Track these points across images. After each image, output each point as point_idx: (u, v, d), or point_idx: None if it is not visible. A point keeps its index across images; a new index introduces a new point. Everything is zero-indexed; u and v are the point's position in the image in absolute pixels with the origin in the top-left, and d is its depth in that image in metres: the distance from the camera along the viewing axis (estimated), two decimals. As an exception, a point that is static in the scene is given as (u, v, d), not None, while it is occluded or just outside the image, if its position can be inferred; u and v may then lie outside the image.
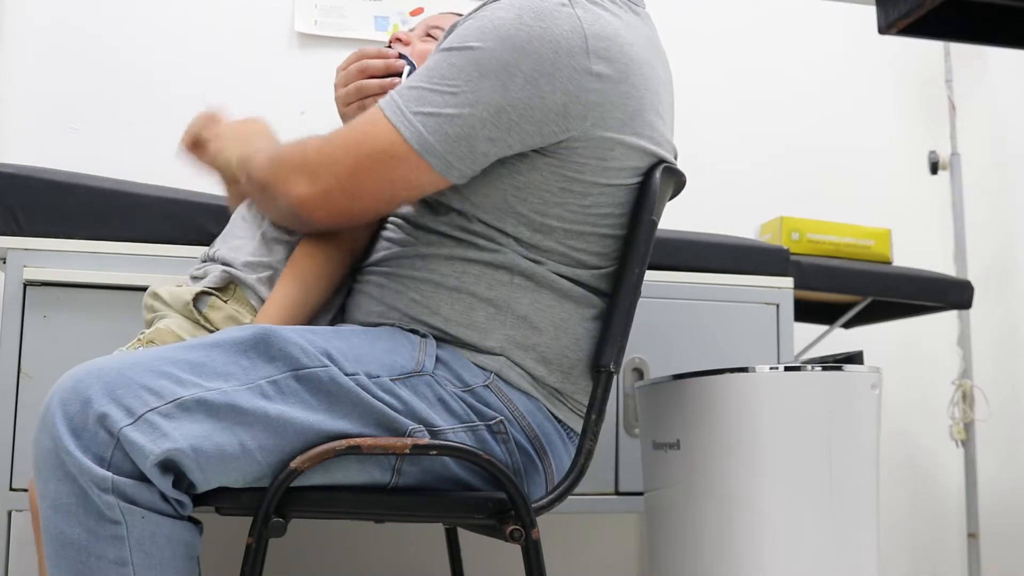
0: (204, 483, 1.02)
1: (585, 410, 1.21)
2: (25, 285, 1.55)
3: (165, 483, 0.98)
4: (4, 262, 1.59)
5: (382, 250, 1.25)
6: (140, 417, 0.98)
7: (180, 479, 1.01)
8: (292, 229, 1.27)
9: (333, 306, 1.29)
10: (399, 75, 1.33)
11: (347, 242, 1.25)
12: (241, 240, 1.29)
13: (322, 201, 1.15)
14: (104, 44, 2.23)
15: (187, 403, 1.00)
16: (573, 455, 1.21)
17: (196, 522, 1.05)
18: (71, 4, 2.23)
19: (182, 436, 0.99)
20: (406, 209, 1.24)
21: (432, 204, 1.21)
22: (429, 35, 1.38)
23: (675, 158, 1.29)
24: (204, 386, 1.02)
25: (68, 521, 0.96)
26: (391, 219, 1.27)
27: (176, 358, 1.04)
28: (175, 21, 2.29)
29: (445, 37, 1.17)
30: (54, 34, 2.21)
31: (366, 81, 1.33)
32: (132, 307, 1.58)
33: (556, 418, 1.21)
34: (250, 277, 1.24)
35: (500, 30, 1.10)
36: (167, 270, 1.57)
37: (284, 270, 1.23)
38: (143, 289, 1.54)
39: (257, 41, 2.34)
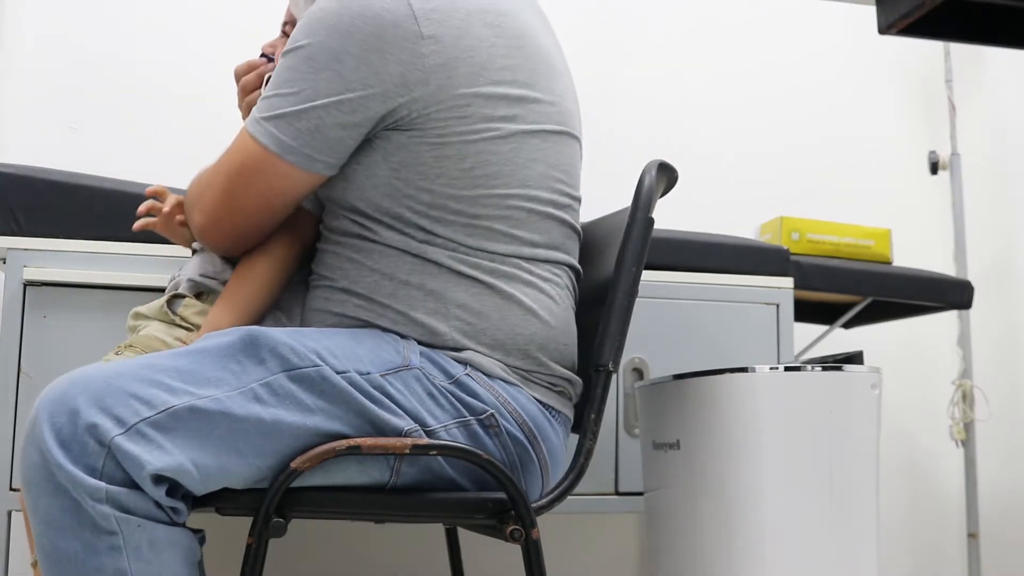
0: (203, 490, 1.02)
1: (561, 387, 1.21)
2: (25, 285, 1.55)
3: (159, 492, 0.97)
4: (4, 262, 1.59)
5: (318, 263, 1.24)
6: (132, 427, 0.97)
7: (175, 487, 1.00)
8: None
9: (296, 302, 1.30)
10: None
11: (294, 243, 1.27)
12: (202, 261, 1.31)
13: (213, 228, 1.20)
14: (104, 44, 2.23)
15: (180, 412, 0.99)
16: (561, 436, 1.21)
17: (196, 530, 1.04)
18: (71, 5, 2.23)
19: (179, 449, 0.98)
20: (326, 219, 1.24)
21: (340, 208, 1.21)
22: (284, 32, 1.44)
23: (576, 110, 1.29)
24: (196, 394, 1.01)
25: (63, 535, 0.95)
26: (321, 229, 1.27)
27: (164, 365, 1.02)
28: (175, 21, 2.29)
29: None
30: (54, 34, 2.21)
31: (249, 97, 1.38)
32: (132, 307, 1.58)
33: (538, 400, 1.19)
34: (212, 282, 1.27)
35: (324, 21, 1.13)
36: (167, 270, 1.56)
37: (228, 282, 1.24)
38: (143, 289, 1.55)
39: (257, 41, 2.34)
